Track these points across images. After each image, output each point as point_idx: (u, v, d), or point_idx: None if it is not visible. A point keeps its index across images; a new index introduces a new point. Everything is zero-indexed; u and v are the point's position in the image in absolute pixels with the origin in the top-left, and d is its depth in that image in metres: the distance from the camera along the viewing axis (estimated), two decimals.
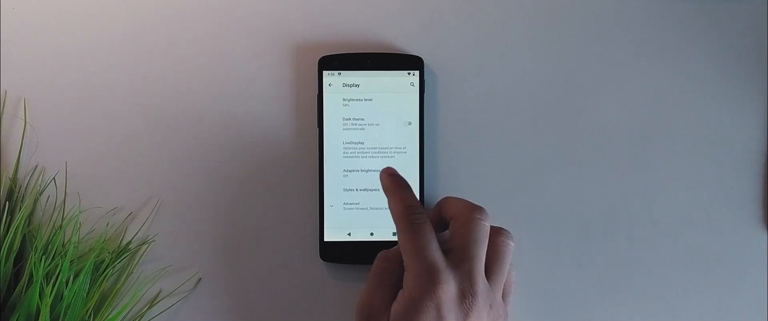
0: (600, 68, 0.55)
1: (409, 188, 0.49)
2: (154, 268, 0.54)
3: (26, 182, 0.54)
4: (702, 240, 0.55)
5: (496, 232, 0.48)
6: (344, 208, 0.53)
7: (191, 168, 0.54)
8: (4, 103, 0.54)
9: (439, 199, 0.50)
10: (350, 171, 0.53)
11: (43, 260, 0.49)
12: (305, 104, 0.55)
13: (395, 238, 0.53)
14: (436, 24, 0.55)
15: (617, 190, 0.55)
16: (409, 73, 0.54)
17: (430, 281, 0.44)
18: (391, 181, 0.49)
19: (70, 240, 0.52)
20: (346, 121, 0.53)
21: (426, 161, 0.54)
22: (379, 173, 0.50)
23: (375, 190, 0.53)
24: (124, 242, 0.54)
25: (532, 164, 0.55)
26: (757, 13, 0.55)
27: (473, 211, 0.47)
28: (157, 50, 0.55)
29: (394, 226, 0.47)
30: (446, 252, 0.46)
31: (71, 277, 0.50)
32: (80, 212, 0.53)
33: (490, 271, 0.47)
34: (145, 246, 0.54)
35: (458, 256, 0.46)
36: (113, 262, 0.52)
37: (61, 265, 0.50)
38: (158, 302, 0.54)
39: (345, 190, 0.53)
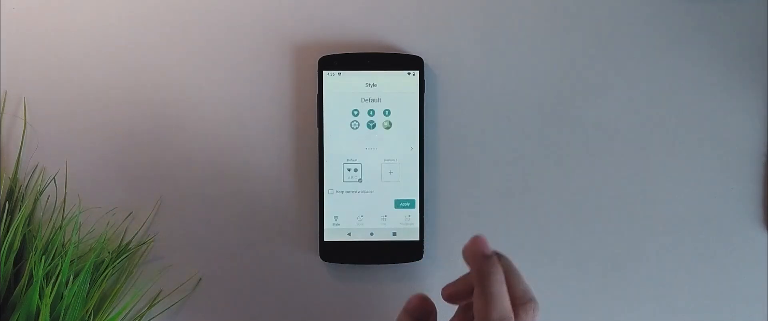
0: (600, 68, 0.55)
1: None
2: (154, 268, 0.54)
3: (26, 182, 0.54)
4: (702, 240, 0.55)
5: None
6: (344, 209, 0.53)
7: (191, 168, 0.54)
8: (4, 103, 0.54)
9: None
10: (350, 171, 0.53)
11: (43, 260, 0.49)
12: (305, 104, 0.55)
13: (394, 239, 0.53)
14: (436, 24, 0.55)
15: (617, 190, 0.55)
16: (409, 73, 0.54)
17: None
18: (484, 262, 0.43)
19: (70, 240, 0.52)
20: (345, 121, 0.53)
21: (426, 161, 0.54)
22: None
23: (375, 191, 0.53)
24: (124, 242, 0.54)
25: (532, 164, 0.55)
26: (757, 13, 0.55)
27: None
28: (157, 50, 0.55)
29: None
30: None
31: (71, 277, 0.50)
32: (80, 212, 0.53)
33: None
34: (145, 246, 0.54)
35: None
36: (113, 262, 0.52)
37: (61, 265, 0.50)
38: (158, 302, 0.54)
39: (345, 190, 0.53)
